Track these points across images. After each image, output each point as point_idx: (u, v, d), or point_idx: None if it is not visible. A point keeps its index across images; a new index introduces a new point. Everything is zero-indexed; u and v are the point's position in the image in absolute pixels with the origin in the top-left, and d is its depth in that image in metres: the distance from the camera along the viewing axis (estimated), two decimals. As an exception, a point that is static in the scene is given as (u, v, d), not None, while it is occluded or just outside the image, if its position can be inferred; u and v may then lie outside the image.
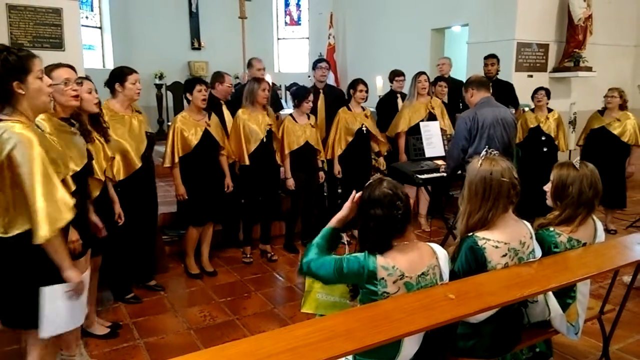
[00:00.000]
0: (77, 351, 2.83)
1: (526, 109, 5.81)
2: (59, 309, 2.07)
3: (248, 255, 4.54)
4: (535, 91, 5.43)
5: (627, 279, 3.81)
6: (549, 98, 5.41)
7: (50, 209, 1.91)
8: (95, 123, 3.00)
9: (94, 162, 2.81)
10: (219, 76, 4.59)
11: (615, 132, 5.15)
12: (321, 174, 4.84)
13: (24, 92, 1.91)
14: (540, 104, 5.39)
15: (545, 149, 5.34)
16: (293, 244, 4.84)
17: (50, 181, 1.94)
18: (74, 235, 2.36)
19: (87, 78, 3.12)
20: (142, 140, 3.54)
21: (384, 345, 1.78)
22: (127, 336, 3.23)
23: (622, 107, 5.24)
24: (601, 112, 5.35)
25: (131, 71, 3.47)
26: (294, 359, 1.47)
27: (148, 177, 3.66)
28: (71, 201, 2.00)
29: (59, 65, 2.50)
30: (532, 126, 5.39)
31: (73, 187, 2.20)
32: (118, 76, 3.45)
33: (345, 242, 3.65)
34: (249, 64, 5.16)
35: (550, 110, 5.45)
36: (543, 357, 2.72)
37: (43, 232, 1.90)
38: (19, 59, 1.90)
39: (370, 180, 1.97)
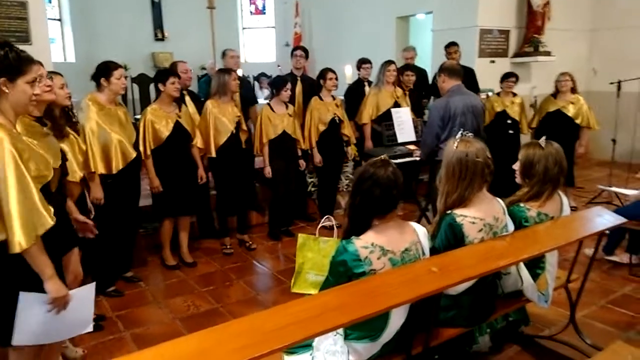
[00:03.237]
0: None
1: (490, 93, 6.03)
2: (34, 318, 1.92)
3: (228, 246, 4.56)
4: (507, 77, 5.61)
5: (588, 251, 4.06)
6: (516, 84, 5.63)
7: (27, 215, 1.77)
8: (66, 117, 2.98)
9: (68, 163, 2.77)
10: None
11: (570, 114, 5.36)
12: (301, 162, 4.90)
13: (7, 92, 1.84)
14: (509, 89, 5.60)
15: (511, 132, 5.57)
16: (276, 232, 4.89)
17: (26, 185, 1.79)
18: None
19: (57, 73, 3.09)
20: (132, 131, 3.62)
21: (373, 318, 1.89)
22: (112, 329, 3.25)
23: (573, 90, 5.48)
24: (554, 95, 5.56)
25: (117, 66, 3.50)
26: (295, 331, 1.56)
27: (135, 168, 3.68)
28: (50, 208, 1.86)
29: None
30: (498, 110, 5.60)
31: (53, 189, 2.18)
32: (104, 71, 3.47)
33: (335, 226, 3.77)
34: (223, 54, 5.17)
35: (514, 94, 5.68)
36: (517, 325, 2.91)
37: (20, 240, 1.76)
38: (19, 59, 1.85)
39: (376, 159, 2.00)
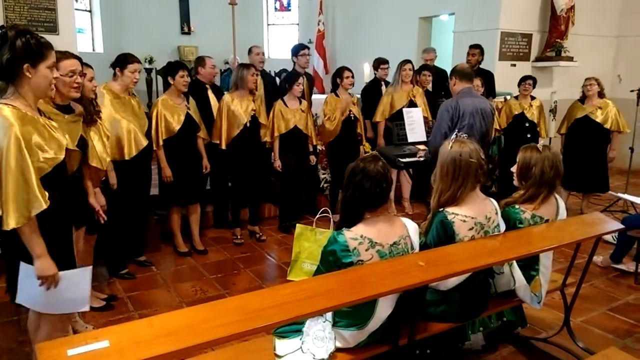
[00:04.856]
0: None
1: (508, 97, 6.02)
2: (32, 287, 2.07)
3: (238, 237, 4.69)
4: (523, 80, 5.63)
5: (596, 259, 4.06)
6: (534, 87, 5.62)
7: (20, 196, 1.90)
8: (93, 105, 3.14)
9: (90, 148, 2.90)
10: (200, 60, 4.70)
11: (598, 119, 5.30)
12: (312, 157, 4.99)
13: (30, 76, 1.97)
14: (526, 92, 5.60)
15: (528, 135, 5.55)
16: (287, 225, 4.99)
17: (25, 170, 1.91)
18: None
19: (88, 65, 3.23)
20: (145, 120, 3.76)
21: (360, 307, 1.98)
22: (122, 309, 3.41)
23: (601, 94, 5.42)
24: (581, 100, 5.52)
25: (133, 60, 3.62)
26: (280, 312, 1.66)
27: (145, 156, 3.81)
28: (45, 192, 1.97)
29: (68, 56, 2.52)
30: (516, 113, 5.61)
31: (71, 170, 2.30)
32: (121, 62, 3.60)
33: (332, 220, 3.85)
34: (249, 51, 5.28)
35: (533, 97, 5.66)
36: (512, 326, 2.96)
37: (10, 219, 1.89)
38: (39, 45, 1.98)
39: (367, 155, 2.12)
